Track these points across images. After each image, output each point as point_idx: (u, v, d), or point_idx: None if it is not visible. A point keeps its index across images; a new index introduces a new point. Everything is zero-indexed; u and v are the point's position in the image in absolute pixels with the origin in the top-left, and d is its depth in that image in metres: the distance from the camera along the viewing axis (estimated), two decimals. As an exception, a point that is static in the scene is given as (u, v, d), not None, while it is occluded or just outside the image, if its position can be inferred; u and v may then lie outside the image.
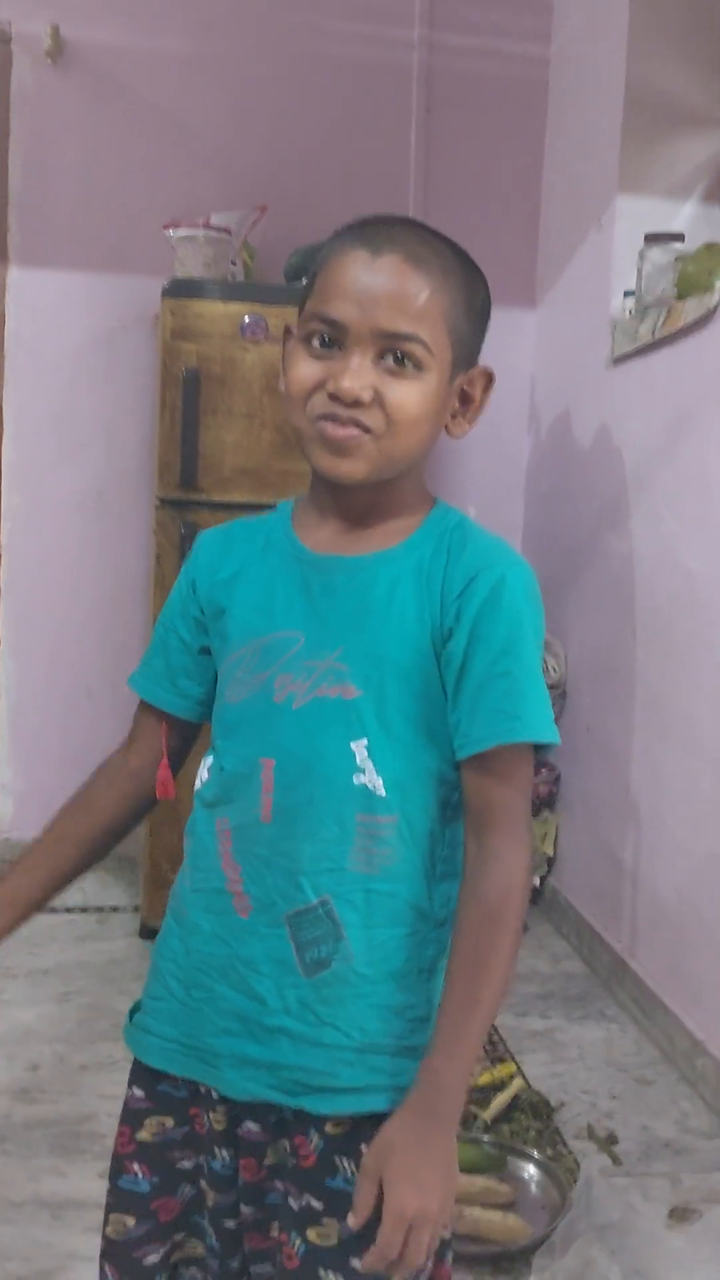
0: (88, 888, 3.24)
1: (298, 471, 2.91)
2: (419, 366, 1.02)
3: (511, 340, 3.42)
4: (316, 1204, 1.04)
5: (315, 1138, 1.05)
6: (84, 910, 3.12)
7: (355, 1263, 1.02)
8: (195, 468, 2.83)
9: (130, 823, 1.20)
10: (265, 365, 2.84)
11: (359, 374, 1.01)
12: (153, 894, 2.92)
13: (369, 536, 1.08)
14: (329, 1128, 1.05)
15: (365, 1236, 1.00)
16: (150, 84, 3.30)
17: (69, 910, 3.10)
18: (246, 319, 2.82)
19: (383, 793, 1.03)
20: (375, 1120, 1.03)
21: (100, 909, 3.15)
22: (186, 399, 2.81)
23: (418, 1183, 0.96)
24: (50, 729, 3.43)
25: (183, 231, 2.98)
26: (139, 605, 3.39)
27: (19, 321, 3.29)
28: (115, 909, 3.15)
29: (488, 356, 1.12)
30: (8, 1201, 1.92)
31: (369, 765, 1.03)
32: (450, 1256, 1.15)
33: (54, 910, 1.20)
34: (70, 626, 3.41)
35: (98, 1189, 1.93)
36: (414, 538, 1.08)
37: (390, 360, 1.01)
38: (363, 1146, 1.04)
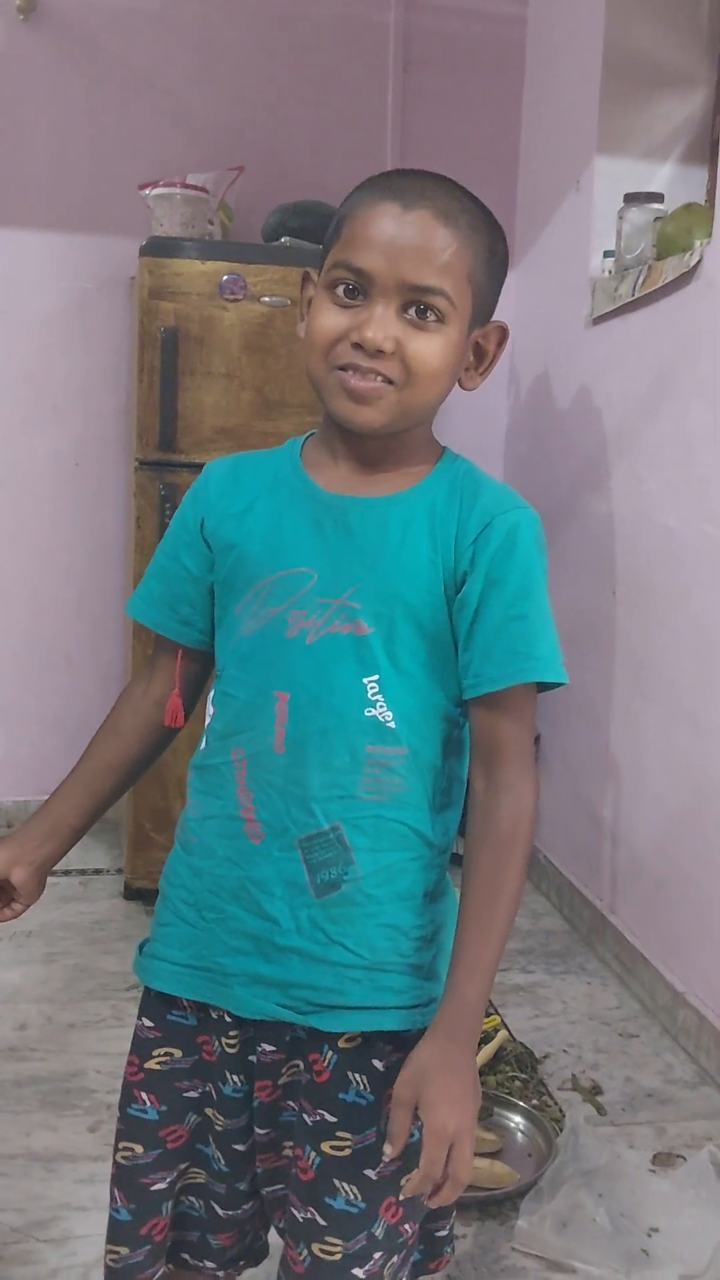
0: (70, 851, 3.23)
1: (278, 432, 2.90)
2: (441, 320, 1.04)
3: (489, 302, 3.40)
4: (331, 1118, 1.08)
5: (329, 1053, 1.09)
6: (67, 873, 3.12)
7: (369, 1173, 1.07)
8: (174, 429, 2.82)
9: (157, 749, 1.24)
10: (244, 325, 2.82)
11: (382, 324, 1.03)
12: (135, 856, 2.92)
13: (382, 480, 1.11)
14: (341, 1043, 1.09)
15: (378, 1149, 1.05)
16: (124, 42, 3.25)
17: (52, 873, 3.08)
18: (225, 278, 2.80)
19: (393, 725, 1.07)
20: (385, 1037, 1.08)
21: (84, 871, 3.15)
22: (165, 359, 2.79)
23: (454, 1101, 1.01)
24: (28, 695, 3.42)
25: (159, 191, 2.95)
26: (118, 570, 3.37)
27: (-7, 283, 3.25)
28: (99, 871, 3.16)
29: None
30: (0, 1155, 1.94)
31: (380, 699, 1.07)
32: (452, 1249, 1.24)
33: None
34: (48, 592, 3.39)
35: (88, 1143, 1.98)
36: (426, 482, 1.11)
37: (413, 313, 1.04)
38: (375, 1062, 1.08)
